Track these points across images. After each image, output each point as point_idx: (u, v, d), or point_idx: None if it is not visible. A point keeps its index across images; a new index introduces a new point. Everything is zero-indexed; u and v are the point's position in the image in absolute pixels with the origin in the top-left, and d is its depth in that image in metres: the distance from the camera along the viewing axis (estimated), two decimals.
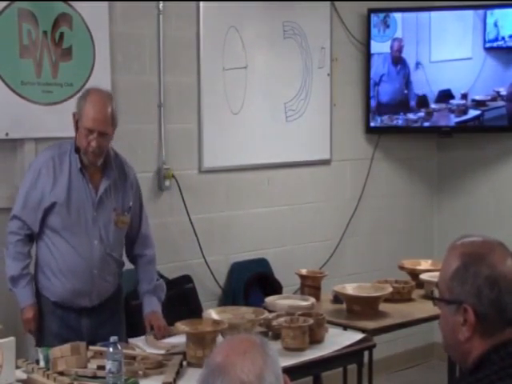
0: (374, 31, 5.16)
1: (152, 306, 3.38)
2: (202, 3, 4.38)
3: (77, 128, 3.23)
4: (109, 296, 3.35)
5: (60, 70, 3.85)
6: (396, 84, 5.19)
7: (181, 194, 4.32)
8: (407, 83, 5.17)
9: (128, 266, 4.08)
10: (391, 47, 5.17)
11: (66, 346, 2.84)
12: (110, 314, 3.35)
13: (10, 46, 3.68)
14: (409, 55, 5.16)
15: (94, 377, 2.72)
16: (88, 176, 3.25)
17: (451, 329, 1.78)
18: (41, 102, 3.80)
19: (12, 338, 2.71)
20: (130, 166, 3.45)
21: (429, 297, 3.75)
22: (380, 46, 5.19)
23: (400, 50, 5.17)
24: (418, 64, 5.15)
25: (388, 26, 5.15)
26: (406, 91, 5.17)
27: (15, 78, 3.70)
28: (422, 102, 5.17)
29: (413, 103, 5.18)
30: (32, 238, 3.28)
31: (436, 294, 1.83)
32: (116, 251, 3.34)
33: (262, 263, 4.68)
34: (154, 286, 3.44)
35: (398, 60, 5.18)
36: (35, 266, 3.32)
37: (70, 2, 3.85)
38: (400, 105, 5.19)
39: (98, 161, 3.23)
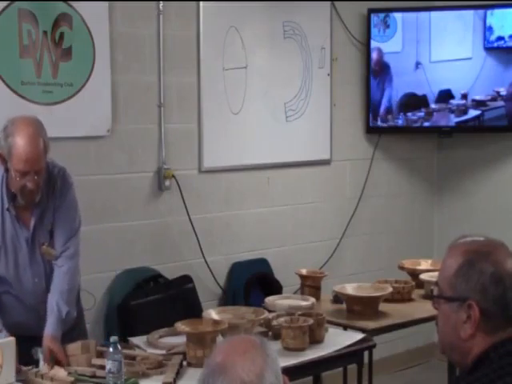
0: (374, 31, 5.16)
1: (52, 330, 2.96)
2: (202, 3, 4.37)
3: (6, 168, 2.92)
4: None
5: (60, 70, 3.85)
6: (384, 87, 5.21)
7: (181, 193, 4.32)
8: (383, 90, 5.17)
9: (125, 266, 4.10)
10: (371, 59, 5.17)
11: (77, 345, 2.84)
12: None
13: (10, 46, 3.68)
14: (409, 55, 5.16)
15: (94, 376, 2.72)
16: (17, 214, 2.99)
17: (452, 327, 1.78)
18: (41, 102, 3.79)
19: (12, 339, 2.71)
20: (58, 173, 3.09)
21: (429, 297, 3.76)
22: (380, 46, 5.18)
23: (380, 59, 5.17)
24: (417, 64, 5.15)
25: (388, 26, 5.15)
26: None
27: (15, 78, 3.70)
28: (422, 101, 5.17)
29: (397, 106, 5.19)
30: None
31: (435, 292, 1.83)
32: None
33: (262, 263, 4.68)
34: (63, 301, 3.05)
35: (378, 71, 5.18)
36: None
37: (70, 2, 3.85)
38: (400, 105, 5.20)
39: (36, 198, 2.96)
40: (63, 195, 3.08)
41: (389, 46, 5.19)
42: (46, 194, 3.03)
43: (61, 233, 3.07)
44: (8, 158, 2.87)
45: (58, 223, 3.06)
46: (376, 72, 5.18)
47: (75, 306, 3.11)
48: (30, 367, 2.81)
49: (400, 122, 5.22)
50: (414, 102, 5.19)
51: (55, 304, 2.99)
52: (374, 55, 5.17)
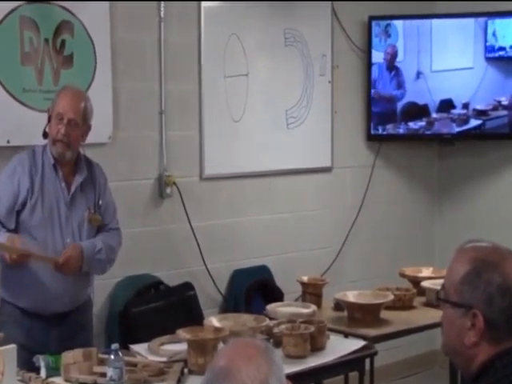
0: (375, 40, 5.17)
1: (82, 244, 3.25)
2: (203, 9, 4.38)
3: (49, 121, 3.26)
4: (80, 304, 3.32)
5: (61, 78, 3.85)
6: (392, 92, 5.20)
7: (182, 201, 4.32)
8: (403, 92, 5.18)
9: (126, 273, 4.10)
10: (385, 53, 5.17)
11: (78, 352, 2.84)
12: (80, 327, 3.31)
13: (12, 54, 3.69)
14: (410, 64, 5.17)
15: None
16: (61, 173, 3.25)
17: (457, 332, 1.77)
18: (42, 109, 3.78)
19: (13, 346, 2.70)
20: (97, 165, 3.44)
21: (430, 304, 3.76)
22: (380, 56, 5.19)
23: (394, 57, 5.18)
24: (419, 73, 5.15)
25: (389, 36, 5.15)
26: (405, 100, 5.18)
27: (17, 86, 3.71)
28: (423, 111, 5.17)
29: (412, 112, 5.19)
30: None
31: (442, 294, 1.82)
32: None
33: (263, 270, 4.67)
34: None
35: (392, 67, 5.19)
36: (2, 271, 3.27)
37: (71, 10, 3.86)
38: (401, 114, 5.20)
39: (66, 152, 3.22)
40: (105, 184, 3.41)
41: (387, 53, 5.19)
42: (86, 172, 3.31)
43: (110, 214, 3.40)
44: (52, 107, 3.25)
45: (106, 205, 3.37)
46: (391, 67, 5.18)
47: (105, 262, 3.34)
48: (33, 374, 2.81)
49: (401, 131, 5.22)
50: (415, 111, 5.19)
51: (94, 239, 3.28)
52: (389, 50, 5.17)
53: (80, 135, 3.26)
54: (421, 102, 5.18)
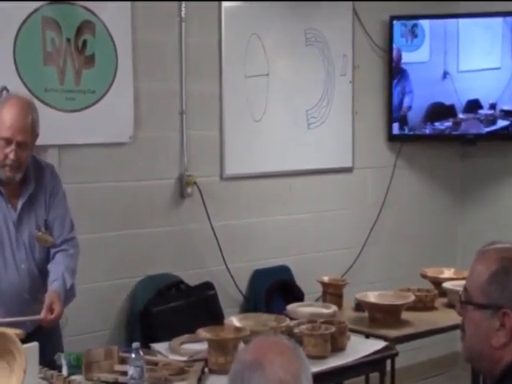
0: (401, 41, 5.13)
1: (57, 288, 2.98)
2: (223, 9, 4.38)
3: None
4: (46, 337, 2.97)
5: (83, 78, 3.87)
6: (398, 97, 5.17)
7: (202, 200, 4.32)
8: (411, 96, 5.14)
9: (147, 272, 4.11)
10: (393, 66, 5.15)
11: (100, 350, 2.85)
12: (48, 337, 2.97)
13: (34, 54, 3.71)
14: (436, 65, 5.13)
15: (116, 382, 2.72)
16: (6, 194, 2.99)
17: (484, 334, 1.74)
18: (64, 109, 3.82)
19: (35, 344, 2.71)
20: (47, 167, 3.14)
21: (452, 305, 3.73)
22: (408, 56, 5.15)
23: (397, 59, 5.15)
24: (445, 74, 5.12)
25: (416, 36, 5.12)
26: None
27: (39, 85, 3.73)
28: (450, 111, 5.13)
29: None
30: None
31: (464, 297, 1.80)
32: (46, 268, 3.06)
33: (284, 270, 4.66)
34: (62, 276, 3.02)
35: (396, 71, 5.16)
36: None
37: (93, 10, 3.87)
38: (427, 114, 5.16)
39: (16, 176, 2.96)
40: (56, 190, 3.11)
41: (416, 55, 5.15)
42: (34, 182, 3.04)
43: (60, 223, 3.10)
44: None
45: (55, 215, 3.09)
46: (397, 78, 5.16)
47: (74, 289, 3.10)
48: (55, 372, 2.82)
49: (427, 132, 5.18)
50: (441, 111, 5.15)
51: (61, 273, 3.00)
52: (394, 63, 5.15)
53: (30, 151, 2.99)
54: (447, 102, 5.14)
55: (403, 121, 5.20)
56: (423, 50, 5.15)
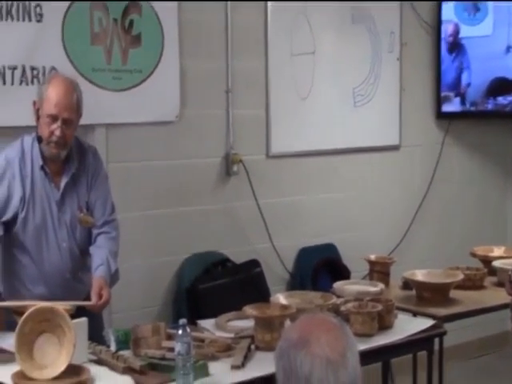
0: (463, 15, 5.03)
1: (103, 273, 2.99)
2: None
3: (38, 117, 2.98)
4: (86, 297, 3.01)
5: (129, 57, 3.89)
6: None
7: (248, 179, 4.33)
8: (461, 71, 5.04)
9: (193, 250, 4.13)
10: (444, 32, 5.04)
11: (147, 327, 2.88)
12: (91, 315, 2.89)
13: (82, 34, 3.74)
14: (499, 38, 4.99)
15: (164, 358, 2.75)
16: (50, 173, 3.02)
17: None
18: (111, 88, 3.85)
19: (84, 319, 2.76)
20: (90, 149, 3.17)
21: (502, 284, 3.68)
22: (468, 30, 5.05)
23: (455, 34, 5.04)
24: (509, 48, 5.00)
25: (478, 10, 5.02)
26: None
27: (86, 65, 3.76)
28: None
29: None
30: None
31: None
32: (87, 248, 3.10)
33: (330, 248, 4.66)
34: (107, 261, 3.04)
35: (453, 46, 5.06)
36: (1, 279, 3.10)
37: None
38: (489, 89, 5.05)
39: (61, 153, 2.98)
40: (98, 171, 3.14)
41: (478, 29, 5.04)
42: (77, 162, 3.07)
43: (101, 205, 3.12)
44: (40, 104, 2.95)
45: (97, 196, 3.11)
46: (454, 54, 5.06)
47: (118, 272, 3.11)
48: (104, 347, 2.86)
49: (489, 107, 5.07)
50: (504, 86, 5.04)
51: (106, 258, 3.02)
52: (451, 38, 5.05)
53: (74, 129, 3.02)
54: (510, 76, 5.01)
55: (462, 97, 5.09)
56: (486, 24, 5.02)
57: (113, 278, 3.05)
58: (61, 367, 2.51)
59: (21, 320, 2.53)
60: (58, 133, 2.92)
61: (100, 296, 2.90)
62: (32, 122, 3.07)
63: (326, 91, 4.65)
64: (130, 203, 3.92)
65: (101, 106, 3.76)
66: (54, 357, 2.55)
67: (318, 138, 4.65)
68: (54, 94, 2.92)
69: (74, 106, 2.96)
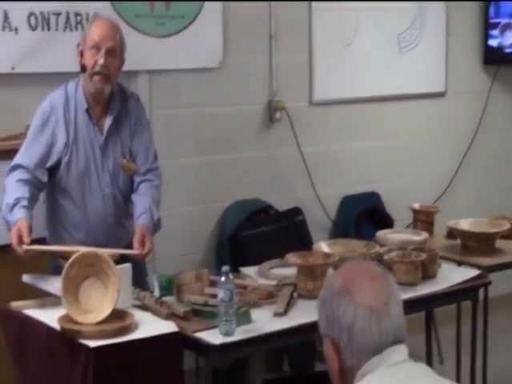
0: None
1: (146, 221, 2.99)
2: None
3: (81, 57, 2.98)
4: (128, 243, 3.01)
5: (172, 3, 3.85)
6: None
7: (291, 126, 4.30)
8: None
9: (236, 197, 4.14)
10: None
11: (190, 273, 2.90)
12: (133, 264, 2.87)
13: None
14: None
15: (206, 305, 2.77)
16: (94, 117, 3.03)
17: None
18: (154, 34, 3.82)
19: (129, 265, 2.78)
20: (132, 96, 3.17)
21: None
22: None
23: None
24: None
25: None
26: None
27: (129, 11, 3.73)
28: None
29: None
30: (37, 187, 2.98)
31: None
32: (129, 195, 3.11)
33: (374, 197, 4.63)
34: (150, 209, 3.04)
35: None
36: (46, 224, 3.13)
37: None
38: None
39: (104, 87, 2.96)
40: (140, 118, 3.13)
41: None
42: (120, 105, 3.07)
43: (144, 152, 3.12)
44: (84, 42, 2.97)
45: (139, 143, 3.11)
46: None
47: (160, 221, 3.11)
48: (147, 293, 2.89)
49: None
50: None
51: (149, 206, 3.02)
52: None
53: (118, 66, 3.02)
54: None
55: None
56: None
57: (155, 226, 3.06)
58: (105, 312, 2.54)
59: (66, 265, 2.56)
60: (101, 61, 2.92)
61: (143, 244, 2.91)
62: (76, 68, 3.07)
63: (370, 37, 4.57)
64: (172, 150, 3.92)
65: (144, 53, 3.75)
66: (99, 301, 2.58)
67: (361, 85, 4.59)
68: (97, 28, 2.97)
69: (117, 38, 2.99)
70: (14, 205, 2.85)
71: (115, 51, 2.97)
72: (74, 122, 3.01)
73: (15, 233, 2.77)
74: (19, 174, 2.94)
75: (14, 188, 2.91)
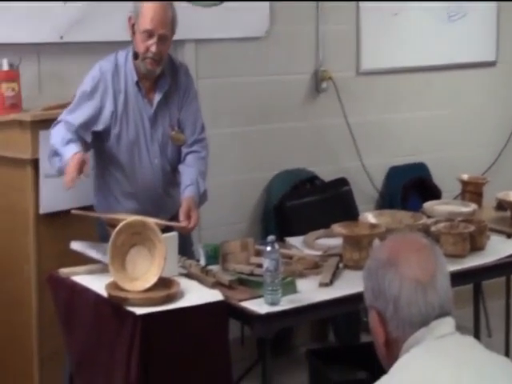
0: None
1: (192, 193, 3.00)
2: None
3: (133, 33, 2.98)
4: (175, 213, 3.03)
5: None
6: None
7: (338, 96, 4.27)
8: None
9: (282, 167, 4.13)
10: None
11: (236, 242, 2.91)
12: (179, 233, 2.88)
13: None
14: None
15: (252, 274, 2.78)
16: (144, 89, 3.04)
17: None
18: (201, 3, 3.80)
19: (175, 233, 2.80)
20: (181, 67, 3.16)
21: None
22: None
23: None
24: None
25: None
26: None
27: None
28: None
29: None
30: (82, 144, 2.93)
31: None
32: (177, 165, 3.13)
33: (421, 168, 4.58)
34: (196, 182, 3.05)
35: None
36: (94, 193, 3.15)
37: None
38: None
39: (156, 69, 2.98)
40: (189, 89, 3.14)
41: None
42: (170, 79, 3.07)
43: (192, 123, 3.13)
44: (136, 19, 2.95)
45: (188, 114, 3.12)
46: None
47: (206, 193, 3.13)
48: (193, 261, 2.91)
49: None
50: None
51: (195, 178, 3.04)
52: None
53: (169, 46, 3.04)
54: None
55: None
56: None
57: (201, 198, 3.08)
58: (152, 280, 2.56)
59: (114, 232, 2.59)
60: (153, 49, 2.93)
61: (188, 217, 2.92)
62: (124, 37, 3.08)
63: (418, 5, 4.49)
64: (219, 120, 3.92)
65: (190, 22, 3.71)
66: (145, 269, 2.61)
67: (409, 55, 4.53)
68: (149, 10, 2.93)
69: (169, 21, 2.97)
70: (69, 141, 2.85)
71: (167, 36, 2.97)
72: (124, 92, 3.02)
73: (78, 158, 2.74)
74: (66, 126, 2.92)
75: (63, 132, 2.90)
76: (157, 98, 3.05)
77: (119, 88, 3.01)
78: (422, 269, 1.53)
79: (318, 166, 4.26)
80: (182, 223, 2.90)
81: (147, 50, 2.94)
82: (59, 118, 2.98)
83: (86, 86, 3.01)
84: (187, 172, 3.07)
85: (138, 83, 3.02)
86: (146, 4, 2.94)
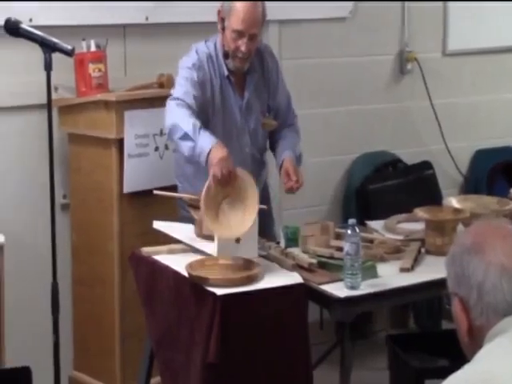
0: None
1: (290, 155, 3.03)
2: None
3: (222, 27, 2.95)
4: (260, 200, 2.91)
5: None
6: None
7: (423, 77, 4.20)
8: None
9: (364, 149, 4.10)
10: None
11: (317, 225, 2.91)
12: (260, 215, 2.83)
13: None
14: None
15: (332, 257, 2.76)
16: (234, 81, 3.03)
17: None
18: None
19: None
20: (266, 50, 3.15)
21: None
22: None
23: None
24: None
25: None
26: None
27: None
28: None
29: None
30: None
31: None
32: (263, 152, 3.19)
33: (509, 151, 4.48)
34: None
35: None
36: (180, 175, 3.14)
37: None
38: None
39: (244, 66, 3.00)
40: (277, 74, 3.15)
41: None
42: (259, 68, 3.08)
43: (284, 113, 3.18)
44: (227, 16, 2.93)
45: (279, 101, 3.16)
46: None
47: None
48: (273, 243, 2.91)
49: None
50: None
51: (291, 144, 3.11)
52: None
53: (258, 41, 3.02)
54: None
55: None
56: None
57: (298, 160, 3.11)
58: (246, 227, 2.63)
59: (207, 183, 2.64)
60: (243, 49, 2.93)
61: (289, 176, 2.94)
62: (210, 18, 3.10)
63: None
64: (301, 100, 3.88)
65: (274, 2, 3.70)
66: (239, 219, 2.66)
67: (498, 35, 4.43)
68: (241, 9, 2.90)
69: (259, 19, 2.94)
70: (200, 128, 2.80)
71: (257, 34, 2.95)
72: (219, 85, 3.01)
73: (224, 161, 2.69)
74: (190, 111, 2.86)
75: (189, 115, 2.83)
76: (247, 92, 3.07)
77: (213, 77, 3.01)
78: (507, 256, 1.49)
79: (402, 148, 4.21)
80: (288, 184, 2.95)
81: (237, 49, 2.93)
82: (178, 96, 2.89)
83: (183, 72, 2.96)
84: (282, 143, 3.13)
85: (228, 77, 3.03)
86: (237, 3, 2.91)
